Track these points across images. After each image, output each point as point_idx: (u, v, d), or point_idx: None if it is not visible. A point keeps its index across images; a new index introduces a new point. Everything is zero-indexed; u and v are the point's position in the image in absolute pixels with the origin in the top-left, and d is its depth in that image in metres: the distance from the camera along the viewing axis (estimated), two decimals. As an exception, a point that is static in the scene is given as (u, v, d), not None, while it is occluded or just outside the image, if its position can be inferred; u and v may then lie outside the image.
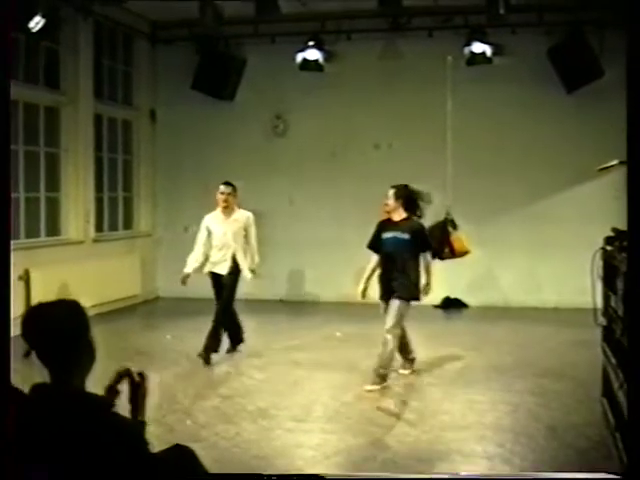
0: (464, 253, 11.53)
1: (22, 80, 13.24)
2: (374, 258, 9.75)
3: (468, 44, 14.69)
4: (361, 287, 9.74)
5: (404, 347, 10.00)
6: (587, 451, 7.20)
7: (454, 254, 11.36)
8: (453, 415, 8.41)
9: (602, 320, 7.67)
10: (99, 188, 15.37)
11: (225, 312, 10.96)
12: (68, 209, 14.39)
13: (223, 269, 10.87)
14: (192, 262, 11.04)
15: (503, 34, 14.71)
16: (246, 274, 10.97)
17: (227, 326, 11.13)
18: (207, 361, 10.58)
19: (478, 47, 14.67)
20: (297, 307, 15.29)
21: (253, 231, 11.14)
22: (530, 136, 15.22)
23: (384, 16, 15.04)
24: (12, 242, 12.47)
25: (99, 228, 15.33)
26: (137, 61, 16.58)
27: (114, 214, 16.14)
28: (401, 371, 10.02)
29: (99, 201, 15.38)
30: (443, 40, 14.79)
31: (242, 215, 11.18)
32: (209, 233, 11.03)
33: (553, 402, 8.82)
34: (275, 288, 16.02)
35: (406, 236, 9.45)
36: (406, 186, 9.68)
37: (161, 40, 16.58)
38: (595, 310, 7.68)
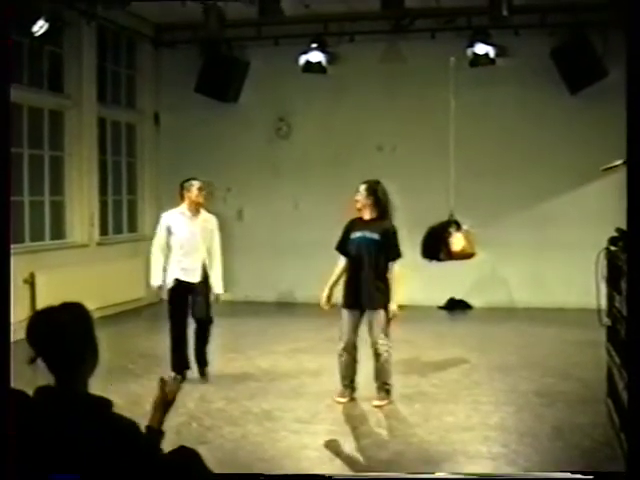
0: (466, 255, 11.11)
1: (26, 84, 13.29)
2: (342, 261, 9.05)
3: (471, 45, 14.70)
4: (325, 293, 9.07)
5: (349, 370, 9.04)
6: (592, 452, 7.21)
7: (451, 256, 10.96)
8: (458, 416, 8.41)
9: (606, 320, 7.67)
10: (103, 191, 15.40)
11: (208, 328, 9.98)
12: (72, 212, 14.42)
13: (195, 277, 9.76)
14: (158, 272, 9.84)
15: (506, 35, 14.72)
16: (218, 287, 9.94)
17: (180, 348, 9.93)
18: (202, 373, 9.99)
19: (481, 48, 14.67)
20: (301, 309, 15.29)
21: (218, 238, 10.09)
22: (534, 137, 15.22)
23: (387, 18, 15.04)
24: (17, 245, 12.64)
25: (103, 231, 15.35)
26: (140, 64, 16.60)
27: (118, 217, 16.17)
28: (338, 398, 8.95)
29: (103, 204, 15.41)
30: (446, 41, 14.78)
31: (210, 217, 10.10)
32: (169, 235, 9.86)
33: (558, 403, 8.82)
34: (279, 290, 16.04)
35: (375, 236, 8.74)
36: (379, 182, 8.98)
37: (164, 43, 16.60)
38: (599, 311, 7.69)
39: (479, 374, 10.28)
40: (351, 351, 8.95)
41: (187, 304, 9.85)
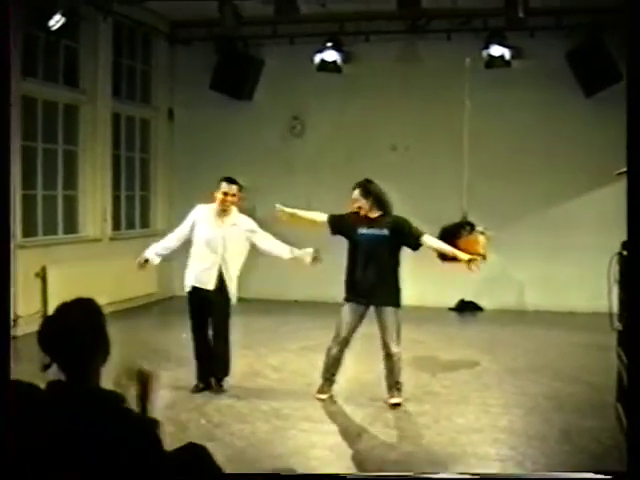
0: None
1: (41, 78, 13.31)
2: (321, 215, 9.38)
3: (487, 47, 14.68)
4: (289, 211, 9.39)
5: (335, 364, 9.10)
6: (600, 456, 7.19)
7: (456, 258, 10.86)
8: (467, 418, 8.41)
9: (618, 325, 7.66)
10: (116, 186, 15.43)
11: (225, 342, 9.38)
12: (85, 207, 14.45)
13: (209, 284, 9.14)
14: (158, 247, 9.43)
15: (522, 37, 14.70)
16: (232, 296, 9.28)
17: (201, 358, 9.47)
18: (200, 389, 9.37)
19: (497, 50, 14.65)
20: (312, 308, 15.29)
21: (263, 234, 9.48)
22: (548, 140, 15.19)
23: (403, 18, 15.03)
24: (29, 239, 12.66)
25: (116, 226, 15.38)
26: (156, 60, 16.62)
27: (131, 213, 16.20)
28: (318, 395, 9.03)
29: (116, 199, 15.44)
30: (462, 42, 14.77)
31: (242, 221, 9.36)
32: (193, 229, 9.25)
33: (567, 406, 8.81)
34: (290, 289, 16.03)
35: (385, 232, 8.71)
36: (370, 181, 8.92)
37: (180, 40, 16.61)
38: (611, 314, 7.67)
39: (489, 376, 10.27)
40: (343, 346, 9.02)
41: (206, 311, 9.30)
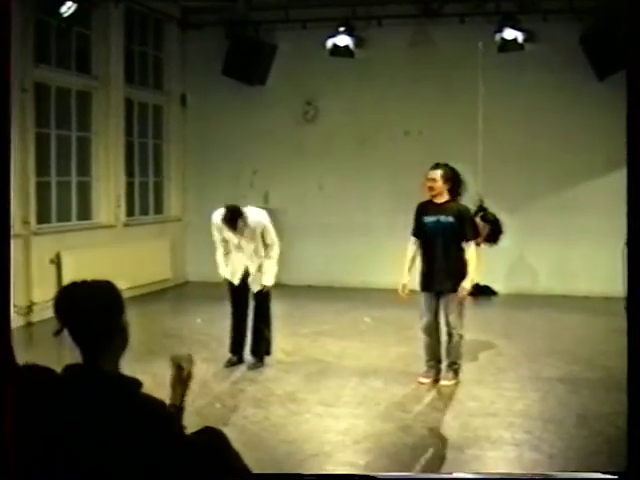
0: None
1: (54, 65, 13.32)
2: (411, 246, 9.05)
3: (500, 30, 14.56)
4: (403, 281, 8.98)
5: (433, 348, 9.18)
6: (616, 440, 7.15)
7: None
8: (482, 401, 8.40)
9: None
10: (130, 172, 15.43)
11: (267, 322, 9.92)
12: (99, 193, 14.45)
13: (236, 279, 9.71)
14: (222, 267, 9.81)
15: (535, 20, 14.60)
16: (267, 279, 9.66)
17: (236, 332, 9.94)
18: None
19: (510, 33, 14.54)
20: (325, 292, 15.29)
21: (271, 231, 9.61)
22: (561, 123, 15.13)
23: (415, 2, 14.99)
24: (43, 226, 12.68)
25: (130, 212, 15.39)
26: (168, 46, 16.60)
27: (145, 198, 16.19)
28: (420, 379, 9.07)
29: (130, 185, 15.44)
30: (474, 26, 14.70)
31: (254, 219, 9.48)
32: (220, 233, 9.62)
33: (583, 390, 8.80)
34: (303, 273, 16.03)
35: (450, 219, 8.78)
36: (447, 165, 8.94)
37: (192, 25, 16.57)
38: (626, 298, 7.65)
39: (504, 360, 10.25)
40: (432, 333, 9.08)
41: (244, 292, 9.77)
